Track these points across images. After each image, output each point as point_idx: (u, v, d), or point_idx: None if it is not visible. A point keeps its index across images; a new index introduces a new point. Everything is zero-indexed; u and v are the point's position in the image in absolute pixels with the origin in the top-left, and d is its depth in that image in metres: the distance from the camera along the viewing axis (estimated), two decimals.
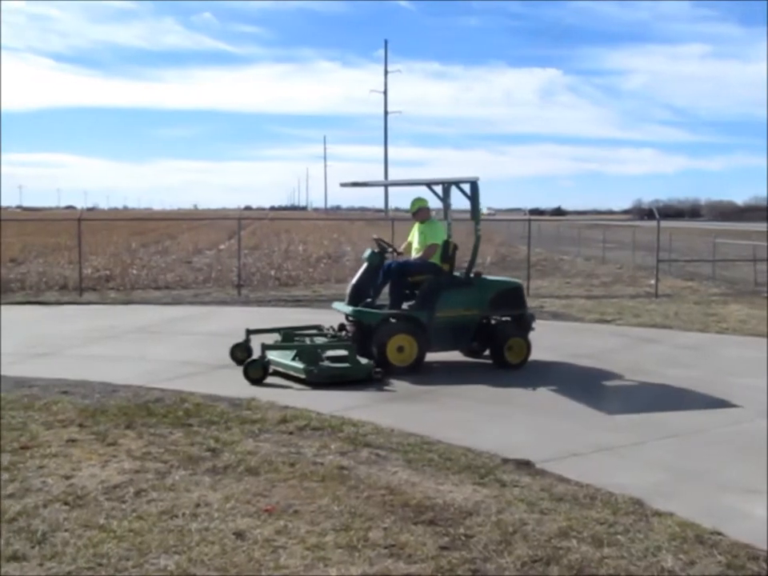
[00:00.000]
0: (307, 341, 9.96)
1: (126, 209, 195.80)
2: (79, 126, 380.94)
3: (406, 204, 11.34)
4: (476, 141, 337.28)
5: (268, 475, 5.75)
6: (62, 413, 7.35)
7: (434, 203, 10.88)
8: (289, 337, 9.97)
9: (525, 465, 6.13)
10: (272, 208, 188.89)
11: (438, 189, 10.80)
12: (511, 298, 10.35)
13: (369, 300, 10.08)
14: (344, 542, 4.61)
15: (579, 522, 4.98)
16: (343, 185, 10.67)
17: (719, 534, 4.86)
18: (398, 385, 9.00)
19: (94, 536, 4.62)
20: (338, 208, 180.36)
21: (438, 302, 9.86)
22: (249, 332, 10.19)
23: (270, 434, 6.85)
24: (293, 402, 7.93)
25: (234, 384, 8.77)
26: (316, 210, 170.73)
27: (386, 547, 4.56)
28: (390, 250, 10.62)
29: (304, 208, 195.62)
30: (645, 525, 4.99)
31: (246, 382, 8.85)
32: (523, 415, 7.86)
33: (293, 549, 4.52)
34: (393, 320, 9.83)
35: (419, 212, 10.49)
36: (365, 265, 10.28)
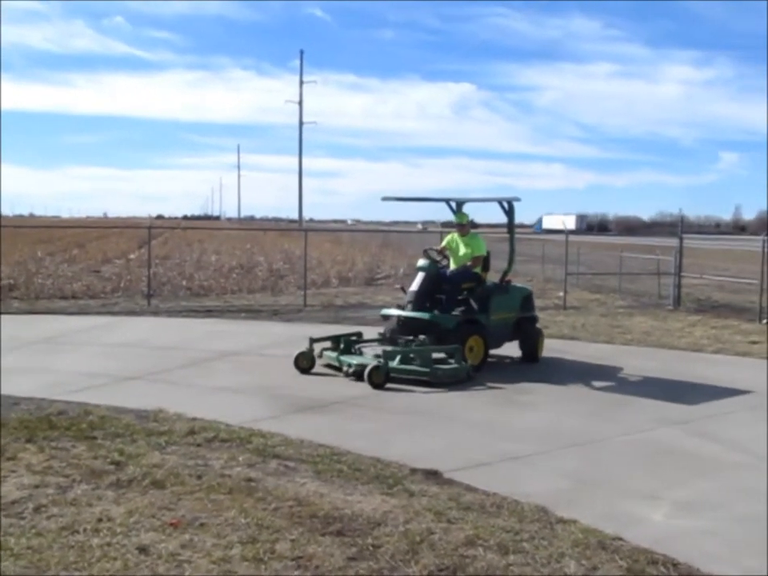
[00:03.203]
0: (411, 345, 10.29)
1: (32, 216, 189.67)
2: None
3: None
4: (391, 153, 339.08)
5: (174, 488, 5.65)
6: None
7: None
8: (348, 344, 10.55)
9: (433, 474, 6.17)
10: (185, 217, 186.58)
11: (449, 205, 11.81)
12: (529, 301, 11.79)
13: (441, 305, 10.76)
14: (251, 554, 4.56)
15: (486, 530, 5.04)
16: (385, 199, 11.71)
17: (620, 539, 4.98)
18: (309, 395, 8.97)
19: None
20: (251, 218, 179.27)
21: (491, 306, 10.93)
22: (312, 340, 10.48)
23: (177, 446, 6.74)
24: (201, 413, 7.81)
25: (141, 396, 8.61)
26: (229, 219, 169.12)
27: (293, 559, 4.53)
28: (439, 258, 11.33)
29: (217, 218, 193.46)
30: (549, 532, 5.07)
31: (153, 394, 8.70)
32: (431, 425, 7.91)
33: (198, 563, 4.45)
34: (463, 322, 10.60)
35: (465, 225, 11.43)
36: (422, 274, 10.87)
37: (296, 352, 10.34)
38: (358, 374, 9.75)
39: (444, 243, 11.66)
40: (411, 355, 9.96)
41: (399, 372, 9.71)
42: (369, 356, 10.27)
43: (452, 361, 10.03)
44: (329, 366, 10.43)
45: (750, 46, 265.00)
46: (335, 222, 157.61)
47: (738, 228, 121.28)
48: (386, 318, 11.10)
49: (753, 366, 11.45)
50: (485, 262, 11.32)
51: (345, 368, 10.05)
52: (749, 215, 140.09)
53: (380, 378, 9.47)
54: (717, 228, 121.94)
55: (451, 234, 11.74)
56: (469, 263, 11.16)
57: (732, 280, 22.78)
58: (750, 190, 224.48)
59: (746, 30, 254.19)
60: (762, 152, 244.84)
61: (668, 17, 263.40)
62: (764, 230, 19.36)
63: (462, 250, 11.31)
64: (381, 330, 11.19)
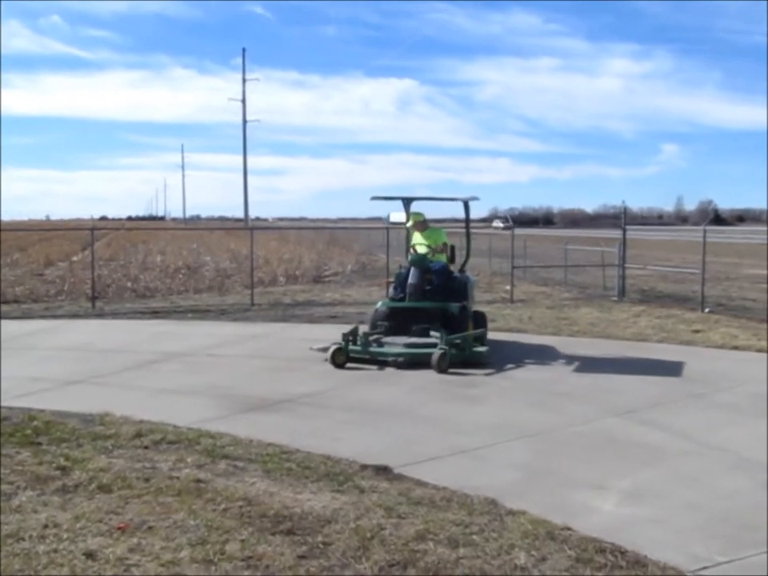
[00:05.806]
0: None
1: None
2: None
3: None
4: (335, 150, 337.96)
5: (121, 492, 5.59)
6: None
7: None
8: (366, 337, 10.94)
9: (383, 470, 6.18)
10: (129, 218, 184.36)
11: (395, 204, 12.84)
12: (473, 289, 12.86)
13: (430, 294, 11.45)
14: (200, 556, 4.52)
15: (436, 524, 5.06)
16: (374, 198, 12.25)
17: (569, 529, 5.03)
18: (258, 395, 8.92)
19: None
20: (197, 218, 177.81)
21: (468, 293, 11.89)
22: (345, 335, 10.87)
23: (123, 449, 6.66)
24: (148, 415, 7.72)
25: (86, 399, 8.48)
26: (174, 219, 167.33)
27: (243, 559, 4.50)
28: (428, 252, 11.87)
29: (162, 218, 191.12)
30: (499, 524, 5.11)
31: (99, 398, 8.58)
32: (381, 421, 7.91)
33: (146, 566, 4.40)
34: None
35: (422, 222, 12.23)
36: (415, 268, 11.54)
37: (333, 347, 10.63)
38: (408, 363, 10.38)
39: (413, 241, 12.29)
40: (458, 341, 10.66)
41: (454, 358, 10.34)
42: (399, 345, 10.73)
43: (478, 344, 10.90)
44: (352, 359, 10.65)
45: (688, 40, 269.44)
46: (280, 220, 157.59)
47: (681, 219, 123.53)
48: (377, 309, 11.67)
49: (696, 354, 11.65)
50: (452, 253, 12.22)
51: (390, 359, 10.53)
52: (690, 206, 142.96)
53: (446, 364, 10.18)
54: (659, 219, 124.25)
55: (412, 232, 12.47)
56: (438, 250, 11.91)
57: (675, 270, 23.20)
58: (691, 181, 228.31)
59: (683, 24, 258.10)
60: (702, 143, 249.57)
61: (607, 11, 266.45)
62: (705, 220, 19.73)
63: (426, 243, 12.01)
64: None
